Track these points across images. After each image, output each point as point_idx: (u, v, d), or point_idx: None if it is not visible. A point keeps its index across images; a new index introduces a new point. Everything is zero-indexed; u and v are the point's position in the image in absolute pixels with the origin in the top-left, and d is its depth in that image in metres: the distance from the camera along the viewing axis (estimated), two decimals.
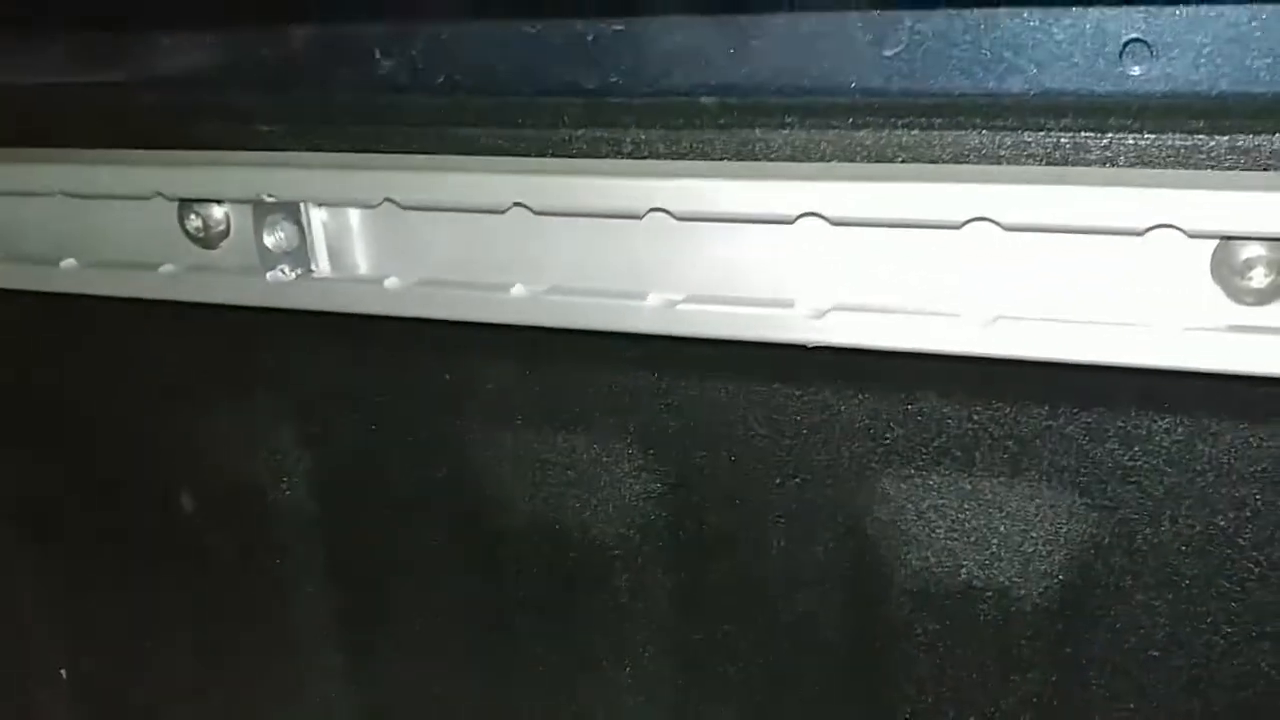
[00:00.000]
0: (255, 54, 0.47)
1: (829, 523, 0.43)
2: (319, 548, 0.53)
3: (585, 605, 0.49)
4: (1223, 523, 0.40)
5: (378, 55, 0.43)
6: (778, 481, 0.43)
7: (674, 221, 0.40)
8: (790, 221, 0.38)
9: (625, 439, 0.46)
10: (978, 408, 0.40)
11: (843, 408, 0.42)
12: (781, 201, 0.37)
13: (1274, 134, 0.35)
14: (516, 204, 0.41)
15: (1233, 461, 0.39)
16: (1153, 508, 0.40)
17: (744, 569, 0.45)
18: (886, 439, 0.42)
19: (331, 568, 0.54)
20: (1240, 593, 0.40)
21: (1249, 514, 0.39)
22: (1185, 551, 0.40)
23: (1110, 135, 0.35)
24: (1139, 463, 0.40)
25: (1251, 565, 0.40)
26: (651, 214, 0.40)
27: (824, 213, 0.37)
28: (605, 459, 0.47)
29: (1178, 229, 0.34)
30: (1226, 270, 0.36)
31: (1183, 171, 0.35)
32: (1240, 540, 0.40)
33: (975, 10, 0.36)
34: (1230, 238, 0.35)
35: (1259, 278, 0.36)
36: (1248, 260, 0.36)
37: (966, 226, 0.36)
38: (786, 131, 0.38)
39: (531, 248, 0.43)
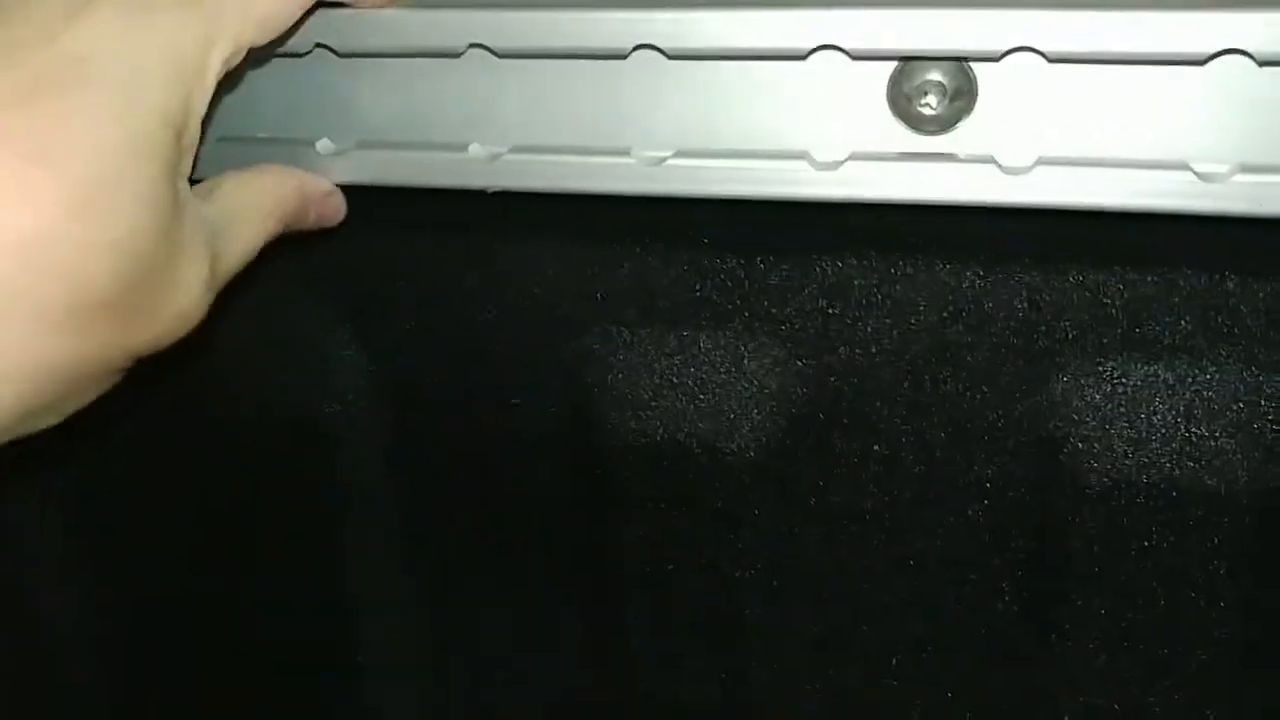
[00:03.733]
0: None
1: (538, 379, 0.42)
2: None
3: None
4: (921, 363, 0.39)
5: None
6: (469, 333, 0.42)
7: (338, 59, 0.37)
8: (457, 55, 0.35)
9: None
10: (662, 255, 0.39)
11: (529, 255, 0.40)
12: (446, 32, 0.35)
13: None
14: None
15: (927, 299, 0.38)
16: (854, 353, 0.40)
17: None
18: (578, 291, 0.40)
19: None
20: (939, 433, 0.40)
21: (948, 354, 0.39)
22: (887, 393, 0.40)
23: None
24: (836, 309, 0.39)
25: (955, 402, 0.40)
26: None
27: (491, 45, 0.35)
28: None
29: (843, 50, 0.33)
30: (904, 98, 0.35)
31: None
32: (941, 380, 0.40)
33: None
34: (905, 58, 0.34)
35: (935, 103, 0.35)
36: (922, 85, 0.35)
37: (633, 54, 0.34)
38: None
39: None
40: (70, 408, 0.30)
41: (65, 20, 0.27)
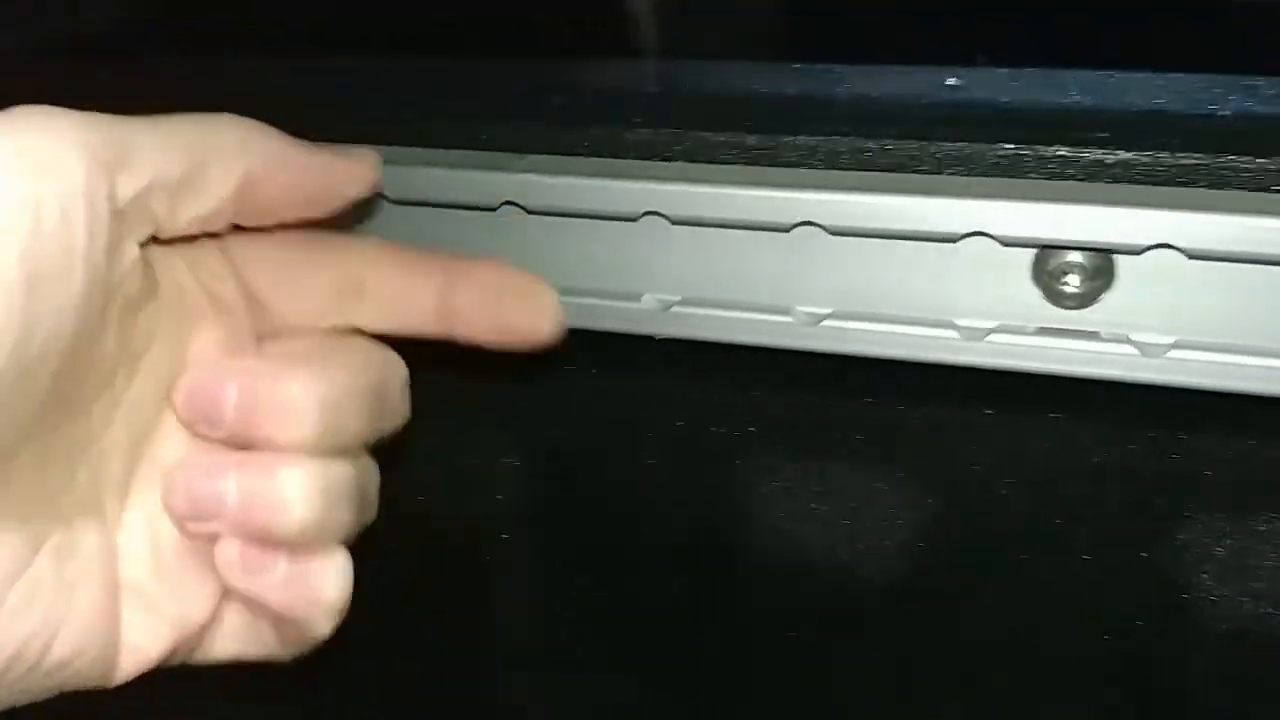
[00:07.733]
0: None
1: (678, 513, 0.45)
2: None
3: None
4: (1042, 511, 0.42)
5: None
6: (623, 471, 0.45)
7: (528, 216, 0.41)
8: (634, 219, 0.39)
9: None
10: (807, 398, 0.42)
11: (687, 392, 0.44)
12: (626, 201, 0.39)
13: (1087, 146, 0.36)
14: None
15: (1052, 453, 0.41)
16: (990, 499, 0.42)
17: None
18: (739, 431, 0.43)
19: None
20: (1072, 583, 0.42)
21: (1068, 503, 0.41)
22: (1020, 543, 0.42)
23: (935, 143, 0.37)
24: (975, 456, 0.42)
25: (1084, 556, 0.42)
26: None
27: (666, 213, 0.39)
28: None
29: (992, 237, 0.36)
30: (1047, 274, 0.38)
31: (1001, 180, 0.37)
32: (1072, 530, 0.42)
33: None
34: (1046, 246, 0.37)
35: (1076, 282, 0.37)
36: (1064, 265, 0.37)
37: (795, 229, 0.37)
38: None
39: None
40: None
41: None
